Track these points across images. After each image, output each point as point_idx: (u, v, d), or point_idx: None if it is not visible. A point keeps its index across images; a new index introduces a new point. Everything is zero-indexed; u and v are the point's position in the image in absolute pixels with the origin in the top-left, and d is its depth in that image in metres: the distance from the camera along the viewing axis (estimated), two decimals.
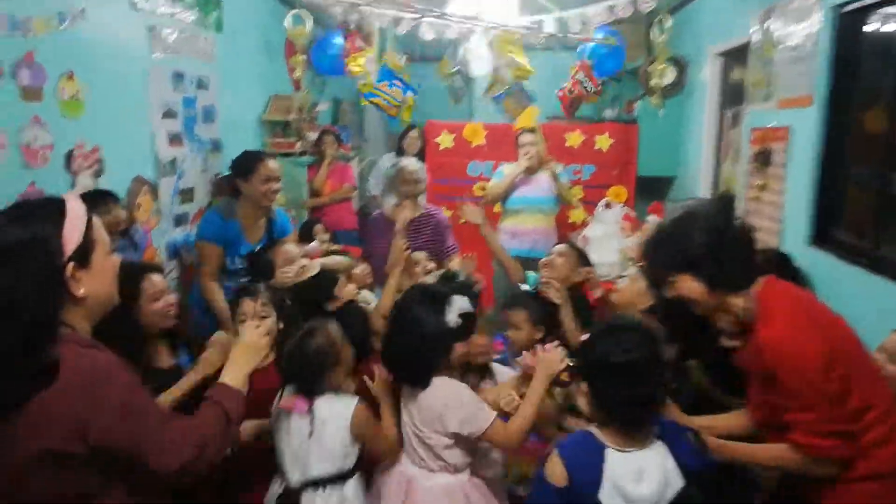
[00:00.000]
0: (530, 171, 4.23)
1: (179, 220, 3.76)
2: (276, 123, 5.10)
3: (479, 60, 4.78)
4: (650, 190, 5.46)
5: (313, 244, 4.31)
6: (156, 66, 3.47)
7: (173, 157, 3.66)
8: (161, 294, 2.27)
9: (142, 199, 3.36)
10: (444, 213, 3.80)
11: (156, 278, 2.29)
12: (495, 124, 5.29)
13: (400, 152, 5.30)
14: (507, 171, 4.28)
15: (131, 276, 2.12)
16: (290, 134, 5.09)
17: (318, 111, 5.70)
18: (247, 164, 3.10)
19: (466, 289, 2.17)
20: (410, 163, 3.52)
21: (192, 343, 2.45)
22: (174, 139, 3.66)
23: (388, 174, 3.61)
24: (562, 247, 2.97)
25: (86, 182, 2.89)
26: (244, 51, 4.62)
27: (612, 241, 3.90)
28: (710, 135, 4.56)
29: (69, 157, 2.78)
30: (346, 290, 2.68)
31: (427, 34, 4.39)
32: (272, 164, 3.14)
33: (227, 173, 4.18)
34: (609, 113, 6.34)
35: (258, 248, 3.14)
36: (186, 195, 3.84)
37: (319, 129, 5.61)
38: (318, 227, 4.59)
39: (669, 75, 4.92)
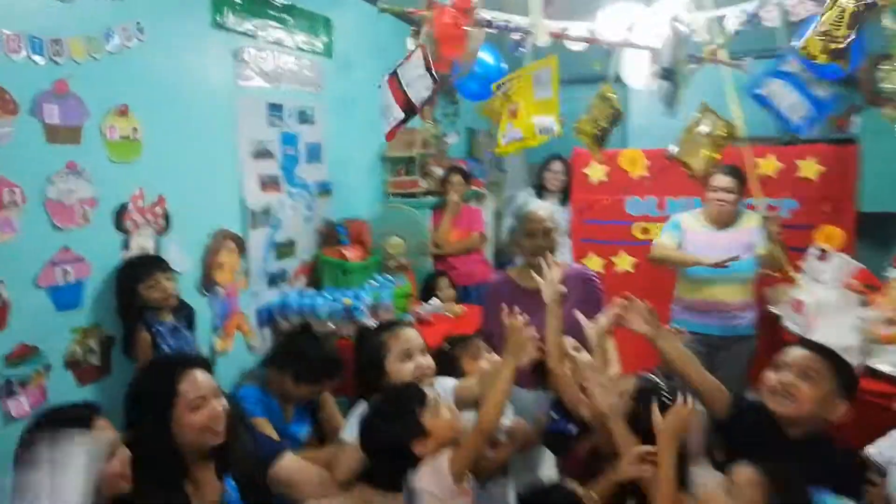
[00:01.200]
0: (719, 223, 3.15)
1: (275, 280, 3.16)
2: (398, 160, 4.46)
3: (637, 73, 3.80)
4: (876, 231, 4.11)
5: (434, 302, 3.57)
6: (244, 97, 2.91)
7: (267, 205, 3.08)
8: (203, 401, 1.57)
9: (225, 257, 2.78)
10: (592, 269, 2.73)
11: (200, 376, 1.60)
12: (659, 150, 4.25)
13: (540, 190, 4.44)
14: (688, 224, 3.21)
15: (166, 372, 1.60)
16: (413, 171, 4.42)
17: (447, 143, 5.01)
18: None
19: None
20: (539, 206, 2.48)
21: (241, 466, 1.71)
22: (268, 183, 3.09)
23: (511, 222, 2.55)
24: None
25: (144, 243, 2.33)
26: (358, 77, 4.01)
27: (844, 314, 2.72)
28: None
29: (121, 212, 2.24)
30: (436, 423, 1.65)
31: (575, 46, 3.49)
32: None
33: (334, 221, 3.58)
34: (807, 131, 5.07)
35: None
36: (285, 249, 3.24)
37: (448, 164, 4.91)
38: (444, 282, 3.84)
39: None
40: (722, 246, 2.98)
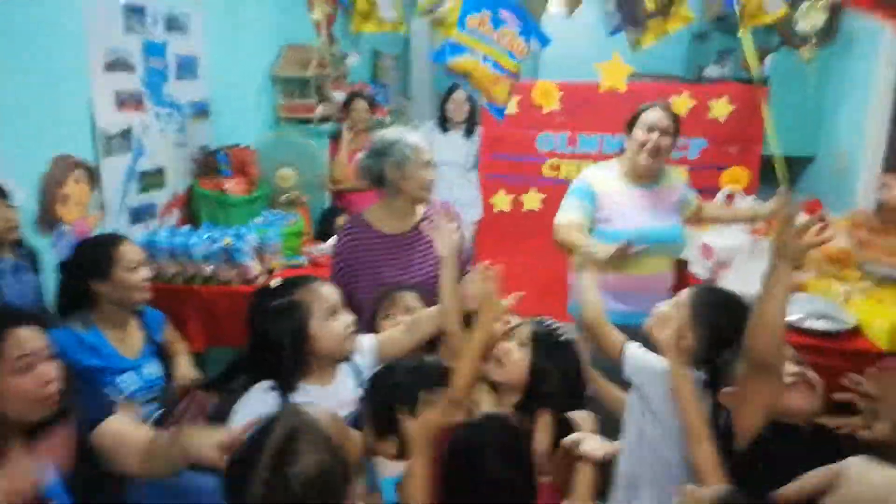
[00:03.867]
0: (645, 179, 2.41)
1: (139, 215, 2.73)
2: (291, 81, 3.99)
3: None
4: (775, 174, 4.14)
5: (331, 242, 3.25)
6: None
7: (126, 127, 2.61)
8: (30, 363, 1.31)
9: (71, 189, 2.33)
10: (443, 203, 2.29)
11: (26, 334, 1.34)
12: (573, 83, 4.03)
13: (443, 121, 4.13)
14: (602, 184, 2.40)
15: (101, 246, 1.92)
16: (308, 94, 3.98)
17: (348, 65, 4.56)
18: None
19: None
20: (416, 137, 2.09)
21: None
22: (128, 101, 2.60)
23: (378, 152, 2.06)
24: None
25: None
26: None
27: (754, 260, 2.66)
28: (885, 101, 3.23)
29: None
30: None
31: None
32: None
33: (213, 148, 3.14)
34: (715, 70, 5.01)
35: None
36: (151, 179, 2.80)
37: (349, 88, 4.48)
38: (342, 220, 3.50)
39: (818, 20, 3.56)
40: (647, 207, 2.36)
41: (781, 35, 3.65)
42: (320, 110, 4.02)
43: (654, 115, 2.32)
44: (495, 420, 1.34)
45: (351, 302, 1.98)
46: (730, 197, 3.45)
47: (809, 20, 3.43)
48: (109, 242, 1.95)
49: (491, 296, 1.56)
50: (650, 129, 2.31)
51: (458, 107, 4.07)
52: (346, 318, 1.58)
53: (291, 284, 1.60)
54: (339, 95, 4.27)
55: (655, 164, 2.35)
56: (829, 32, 3.67)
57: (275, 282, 1.64)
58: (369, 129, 4.05)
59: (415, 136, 2.07)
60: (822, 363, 2.09)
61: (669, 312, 1.62)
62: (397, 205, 2.07)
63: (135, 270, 1.92)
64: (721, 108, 3.83)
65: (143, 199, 2.74)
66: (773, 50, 3.91)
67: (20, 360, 1.29)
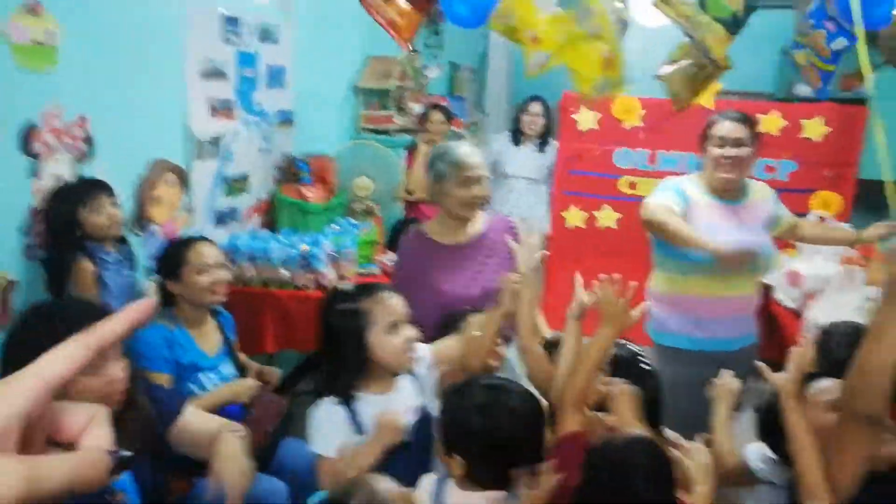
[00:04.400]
0: (729, 194, 2.23)
1: (223, 218, 2.84)
2: (372, 92, 4.08)
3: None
4: (870, 200, 3.90)
5: None
6: (194, 5, 2.51)
7: (217, 134, 2.72)
8: (98, 366, 1.30)
9: (163, 191, 2.44)
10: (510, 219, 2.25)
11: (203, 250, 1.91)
12: (656, 99, 3.92)
13: (517, 134, 4.10)
14: (692, 193, 2.22)
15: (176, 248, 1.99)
16: (388, 105, 4.05)
17: (428, 78, 4.62)
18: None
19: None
20: (472, 151, 2.03)
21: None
22: (220, 109, 2.72)
23: (435, 167, 2.01)
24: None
25: (59, 171, 1.98)
26: None
27: (846, 292, 2.49)
28: None
29: (29, 132, 1.88)
30: None
31: None
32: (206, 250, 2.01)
33: (295, 155, 3.22)
34: (805, 88, 4.76)
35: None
36: (237, 185, 2.91)
37: (427, 100, 4.53)
38: None
39: None
40: (735, 224, 2.17)
41: (884, 52, 3.44)
42: (398, 121, 4.08)
43: (724, 128, 2.19)
44: (643, 442, 1.28)
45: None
46: (821, 220, 3.28)
47: None
48: (184, 244, 2.01)
49: (620, 308, 1.47)
50: (722, 143, 2.18)
51: (532, 119, 4.05)
52: (407, 333, 1.57)
53: (361, 290, 1.63)
54: (417, 107, 4.33)
55: (735, 177, 2.20)
56: None
57: (347, 285, 1.67)
58: (446, 141, 4.09)
59: (463, 150, 2.02)
60: None
61: None
62: (447, 218, 2.06)
63: (205, 272, 1.94)
64: (815, 129, 3.64)
65: (228, 204, 2.85)
66: (875, 69, 3.69)
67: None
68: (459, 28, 3.57)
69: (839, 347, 1.62)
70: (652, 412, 1.48)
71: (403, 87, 4.19)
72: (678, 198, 2.20)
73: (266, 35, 2.99)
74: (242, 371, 2.09)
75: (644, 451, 1.23)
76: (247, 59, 2.87)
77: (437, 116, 4.00)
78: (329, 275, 2.74)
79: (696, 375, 1.89)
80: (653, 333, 2.31)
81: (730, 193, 2.23)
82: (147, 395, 1.46)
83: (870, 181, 3.66)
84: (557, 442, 1.38)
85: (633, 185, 3.96)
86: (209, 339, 2.03)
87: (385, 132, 4.00)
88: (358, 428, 1.51)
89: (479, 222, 2.10)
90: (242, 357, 2.18)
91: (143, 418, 1.41)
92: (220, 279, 2.01)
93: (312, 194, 3.12)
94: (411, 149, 4.01)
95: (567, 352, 1.55)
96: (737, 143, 2.17)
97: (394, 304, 1.58)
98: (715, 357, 2.08)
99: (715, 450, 1.53)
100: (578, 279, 1.64)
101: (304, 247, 2.70)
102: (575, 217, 4.07)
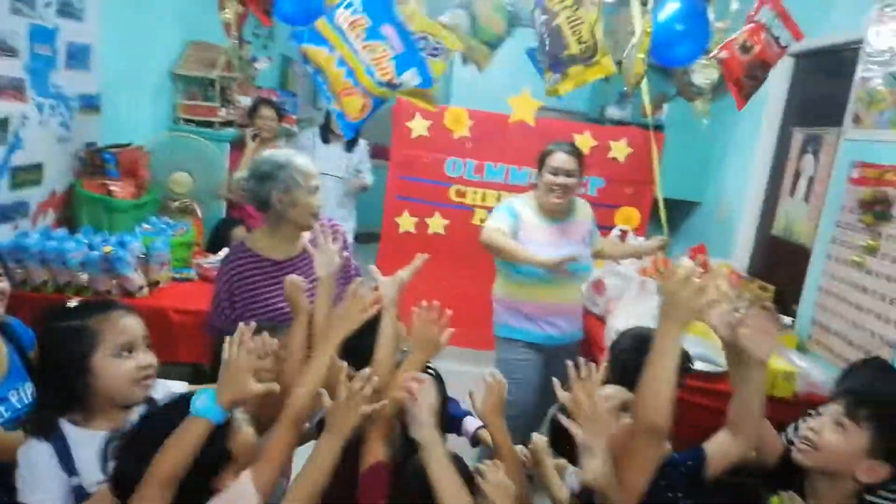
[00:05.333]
0: (557, 215, 2.56)
1: (8, 214, 2.48)
2: (193, 80, 3.80)
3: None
4: (669, 217, 4.39)
5: (224, 254, 3.08)
6: None
7: (4, 117, 2.37)
8: None
9: None
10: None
11: None
12: (484, 112, 4.10)
13: (326, 132, 4.01)
14: (524, 213, 2.53)
15: None
16: (212, 96, 3.80)
17: (257, 70, 4.40)
18: None
19: None
20: (306, 160, 2.00)
21: None
22: (7, 88, 2.36)
23: (264, 176, 1.94)
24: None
25: None
26: None
27: (642, 300, 2.77)
28: (765, 159, 3.51)
29: None
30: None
31: None
32: None
33: (101, 146, 2.91)
34: (616, 112, 5.26)
35: None
36: (27, 175, 2.55)
37: (256, 93, 4.33)
38: (238, 232, 3.35)
39: (712, 74, 3.82)
40: (561, 244, 2.48)
41: (678, 85, 3.88)
42: (223, 114, 3.85)
43: (559, 159, 2.49)
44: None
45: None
46: (623, 234, 3.62)
47: (704, 74, 3.68)
48: None
49: (432, 336, 1.51)
50: (556, 172, 2.48)
51: None
52: (143, 359, 1.38)
53: (90, 307, 1.41)
54: (244, 100, 4.12)
55: (563, 202, 2.52)
56: (721, 87, 3.97)
57: (72, 302, 1.48)
58: (276, 138, 3.93)
59: (302, 159, 1.97)
60: (703, 403, 2.25)
61: None
62: (283, 230, 1.97)
63: None
64: (620, 150, 4.01)
65: (14, 197, 2.49)
66: (670, 99, 4.14)
67: None
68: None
69: (623, 353, 1.77)
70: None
71: (230, 78, 3.96)
72: (511, 219, 2.50)
73: (66, 9, 2.66)
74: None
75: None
76: (42, 35, 2.53)
77: (266, 111, 3.83)
78: (137, 280, 2.50)
79: (532, 364, 2.51)
80: (496, 328, 2.63)
81: (557, 214, 2.55)
82: None
83: (665, 199, 4.14)
84: (365, 470, 1.37)
85: (461, 194, 4.10)
86: None
87: (208, 124, 3.74)
88: (70, 471, 1.27)
89: (305, 232, 2.04)
90: None
91: None
92: None
93: (120, 189, 2.84)
94: (237, 144, 3.81)
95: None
96: (568, 173, 2.49)
97: (128, 324, 1.38)
98: (546, 349, 2.54)
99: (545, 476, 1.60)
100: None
101: (107, 248, 2.43)
102: (407, 222, 4.12)
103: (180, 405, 1.20)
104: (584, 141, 3.98)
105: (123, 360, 1.35)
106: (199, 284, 2.72)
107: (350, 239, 3.99)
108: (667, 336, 1.27)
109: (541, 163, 2.54)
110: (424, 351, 1.52)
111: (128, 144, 3.05)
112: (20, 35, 2.41)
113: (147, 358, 1.39)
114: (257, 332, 1.36)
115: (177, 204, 3.17)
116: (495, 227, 2.47)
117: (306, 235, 2.02)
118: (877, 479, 1.37)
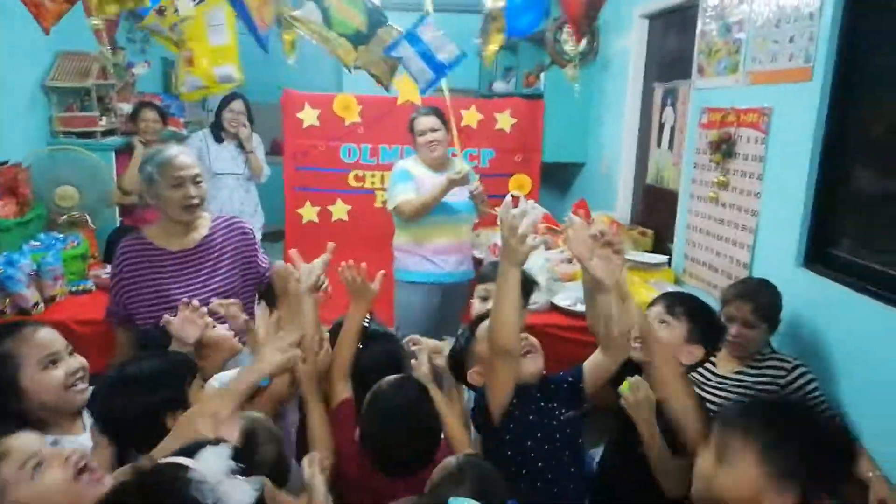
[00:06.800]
0: (435, 167, 3.00)
1: None
2: (68, 92, 3.69)
3: None
4: (553, 179, 4.66)
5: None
6: None
7: None
8: None
9: None
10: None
11: None
12: (372, 97, 4.18)
13: (218, 130, 3.93)
14: (414, 170, 2.97)
15: None
16: (90, 106, 3.70)
17: (134, 75, 4.31)
18: None
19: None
20: (181, 151, 2.03)
21: None
22: None
23: (145, 171, 1.99)
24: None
25: None
26: None
27: (534, 256, 2.97)
28: (634, 115, 3.79)
29: None
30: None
31: None
32: None
33: None
34: (501, 86, 5.47)
35: None
36: None
37: (137, 99, 4.24)
38: None
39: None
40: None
41: (550, 55, 4.12)
42: (104, 123, 3.76)
43: (422, 122, 2.96)
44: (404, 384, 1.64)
45: (135, 322, 1.94)
46: (515, 200, 3.81)
47: (571, 43, 3.93)
48: None
49: (361, 286, 1.78)
50: (423, 132, 2.95)
51: (235, 117, 3.89)
52: (70, 365, 1.46)
53: (3, 335, 1.45)
54: (126, 107, 4.03)
55: (439, 154, 2.98)
56: (588, 54, 4.23)
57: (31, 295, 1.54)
58: (162, 141, 3.87)
59: (172, 151, 1.97)
60: (586, 340, 2.46)
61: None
62: (170, 222, 2.01)
63: None
64: (505, 121, 4.22)
65: None
66: (546, 68, 4.38)
67: None
68: None
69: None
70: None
71: (106, 86, 3.87)
72: (409, 181, 2.94)
73: None
74: None
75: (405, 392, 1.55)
76: None
77: (149, 115, 3.77)
78: (30, 297, 2.46)
79: (429, 301, 2.95)
80: (397, 273, 3.02)
81: (439, 167, 2.99)
82: None
83: (550, 164, 4.39)
84: (334, 409, 1.65)
85: (360, 179, 4.19)
86: None
87: (89, 135, 3.65)
88: None
89: (203, 225, 2.08)
90: None
91: None
92: None
93: (2, 209, 2.75)
94: (126, 151, 3.73)
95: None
96: (433, 129, 2.95)
97: (44, 337, 1.45)
98: (442, 287, 2.97)
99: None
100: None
101: None
102: (310, 212, 4.17)
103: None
104: (471, 115, 4.16)
105: (49, 371, 1.42)
106: (97, 295, 2.69)
107: (259, 237, 3.99)
108: (505, 274, 1.47)
109: (411, 131, 3.01)
110: (364, 300, 1.78)
111: (5, 162, 2.95)
112: None
113: (74, 363, 1.47)
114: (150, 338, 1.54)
115: (64, 218, 3.10)
116: (404, 198, 2.89)
117: (206, 226, 2.07)
118: (695, 360, 1.68)
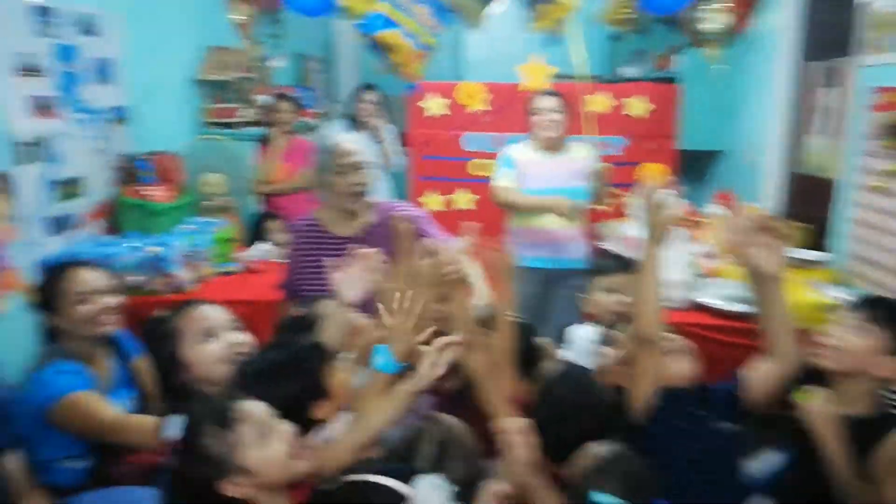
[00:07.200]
0: (552, 149, 3.00)
1: (60, 225, 2.61)
2: (214, 84, 3.91)
3: None
4: (690, 168, 4.38)
5: (262, 247, 3.19)
6: None
7: (40, 135, 2.49)
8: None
9: None
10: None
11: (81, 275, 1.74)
12: (497, 84, 4.13)
13: (353, 121, 4.00)
14: (519, 154, 3.00)
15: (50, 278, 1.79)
16: (230, 98, 3.91)
17: (271, 68, 4.50)
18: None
19: None
20: (348, 138, 2.14)
21: None
22: (39, 107, 2.49)
23: (318, 159, 2.08)
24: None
25: None
26: None
27: (673, 249, 2.79)
28: (786, 97, 3.47)
29: None
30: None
31: None
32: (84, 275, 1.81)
33: (134, 154, 3.04)
34: (629, 70, 5.22)
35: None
36: (69, 188, 2.68)
37: (273, 91, 4.42)
38: (275, 224, 3.45)
39: (721, 20, 3.78)
40: (554, 171, 2.95)
41: (687, 35, 3.86)
42: (243, 114, 3.95)
43: (540, 102, 2.95)
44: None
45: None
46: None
47: (712, 21, 3.65)
48: (56, 271, 1.79)
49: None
50: (539, 112, 2.93)
51: (367, 107, 3.94)
52: (229, 338, 1.50)
53: (173, 310, 1.55)
54: (262, 99, 4.21)
55: (554, 135, 2.94)
56: (731, 32, 3.93)
57: (158, 311, 1.63)
58: (296, 132, 4.02)
59: (340, 138, 2.04)
60: (738, 342, 2.28)
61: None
62: (337, 209, 2.06)
63: (87, 301, 1.74)
64: (636, 106, 4.01)
65: (61, 209, 2.62)
66: (680, 49, 4.12)
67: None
68: (301, 19, 3.54)
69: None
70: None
71: (247, 79, 4.06)
72: (508, 168, 2.98)
73: (86, 26, 2.77)
74: (146, 400, 1.82)
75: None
76: (66, 53, 2.64)
77: (284, 106, 3.92)
78: (184, 276, 2.63)
79: (526, 287, 2.81)
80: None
81: (551, 149, 2.98)
82: None
83: (687, 152, 4.13)
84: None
85: (481, 167, 4.14)
86: (104, 372, 1.81)
87: (234, 125, 3.85)
88: None
89: (369, 213, 2.10)
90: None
91: None
92: (107, 306, 1.78)
93: (158, 194, 2.96)
94: (262, 141, 3.90)
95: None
96: (550, 110, 2.92)
97: (205, 312, 1.51)
98: (547, 273, 2.96)
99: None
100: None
101: (154, 248, 2.56)
102: (434, 201, 4.19)
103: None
104: (600, 101, 3.99)
105: (208, 344, 1.48)
106: (243, 276, 2.84)
107: None
108: (648, 255, 1.49)
109: (528, 111, 3.00)
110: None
111: (160, 151, 3.17)
112: (46, 55, 2.53)
113: (236, 337, 1.52)
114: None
115: (212, 203, 3.29)
116: (503, 186, 2.96)
117: (369, 215, 2.09)
118: (895, 375, 1.48)
